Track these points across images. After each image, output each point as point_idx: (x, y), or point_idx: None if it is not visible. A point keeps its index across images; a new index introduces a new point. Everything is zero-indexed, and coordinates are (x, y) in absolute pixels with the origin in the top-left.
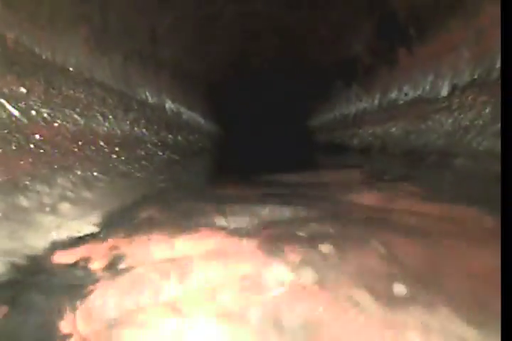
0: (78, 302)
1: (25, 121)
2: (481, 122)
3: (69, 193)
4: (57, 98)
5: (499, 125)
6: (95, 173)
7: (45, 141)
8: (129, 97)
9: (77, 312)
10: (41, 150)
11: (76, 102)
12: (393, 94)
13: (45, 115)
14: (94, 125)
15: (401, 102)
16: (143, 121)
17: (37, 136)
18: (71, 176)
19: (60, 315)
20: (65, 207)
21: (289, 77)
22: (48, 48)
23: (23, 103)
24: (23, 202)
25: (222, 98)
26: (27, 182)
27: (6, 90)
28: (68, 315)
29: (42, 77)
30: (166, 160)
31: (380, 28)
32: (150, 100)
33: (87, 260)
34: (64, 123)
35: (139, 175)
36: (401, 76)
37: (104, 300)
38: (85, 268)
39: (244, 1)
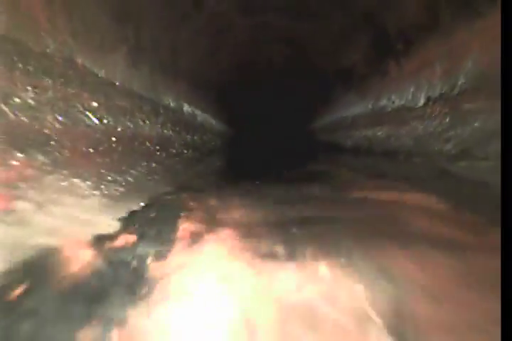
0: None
1: (103, 127)
2: (439, 129)
3: (137, 181)
4: (114, 108)
5: (452, 132)
6: (153, 165)
7: (118, 142)
8: (157, 104)
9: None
10: (119, 149)
11: (125, 111)
12: (383, 102)
13: (112, 123)
14: (139, 129)
15: (389, 109)
16: (169, 124)
17: (113, 138)
18: (137, 169)
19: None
20: (134, 190)
21: (294, 82)
22: (101, 67)
23: (98, 114)
24: (109, 188)
25: (231, 101)
26: (110, 173)
27: (85, 104)
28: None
29: (102, 92)
30: (190, 158)
31: (373, 41)
32: (172, 105)
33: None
34: (123, 128)
35: (174, 169)
36: (390, 86)
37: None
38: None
39: (252, 15)
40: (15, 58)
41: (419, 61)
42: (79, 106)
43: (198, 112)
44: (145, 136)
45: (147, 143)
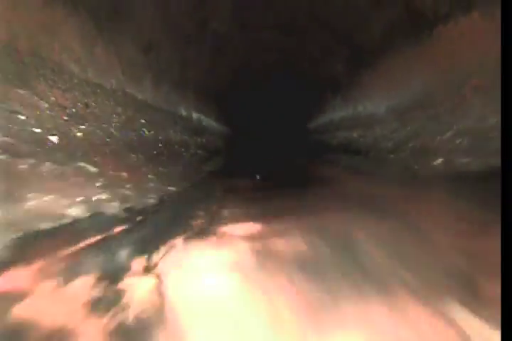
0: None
1: (134, 137)
2: (389, 131)
3: (171, 174)
4: (153, 122)
5: (396, 134)
6: (182, 163)
7: (164, 147)
8: (173, 114)
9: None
10: (153, 152)
11: (161, 122)
12: (360, 108)
13: (151, 132)
14: (170, 136)
15: (362, 115)
16: (184, 130)
17: (160, 145)
18: (163, 167)
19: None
20: (169, 184)
21: (290, 88)
22: (139, 92)
23: (143, 129)
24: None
25: (231, 106)
26: (143, 171)
27: (138, 121)
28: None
29: (144, 111)
30: (201, 156)
31: (350, 56)
32: (184, 114)
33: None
34: (161, 134)
35: (193, 166)
36: (365, 94)
37: None
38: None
39: (249, 32)
40: (92, 93)
41: (384, 77)
42: (135, 123)
43: (203, 118)
44: (174, 141)
45: (176, 146)
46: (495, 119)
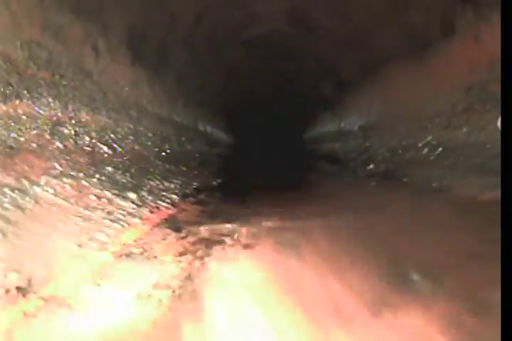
0: None
1: (179, 150)
2: (356, 145)
3: (191, 178)
4: (179, 136)
5: (358, 147)
6: (205, 169)
7: (190, 157)
8: (193, 129)
9: None
10: (196, 161)
11: (192, 137)
12: (342, 124)
13: (189, 147)
14: (189, 147)
15: (344, 130)
16: (200, 142)
17: (197, 155)
18: (185, 176)
19: None
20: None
21: (288, 104)
22: (174, 115)
23: (185, 144)
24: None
25: (238, 119)
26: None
27: (165, 135)
28: None
29: (180, 129)
30: (215, 163)
31: (334, 81)
32: (201, 129)
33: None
34: (188, 148)
35: (208, 172)
36: (346, 113)
37: None
38: None
39: (255, 59)
40: (136, 113)
41: (358, 99)
42: (179, 139)
43: (214, 131)
44: (201, 152)
45: (196, 155)
46: (430, 141)
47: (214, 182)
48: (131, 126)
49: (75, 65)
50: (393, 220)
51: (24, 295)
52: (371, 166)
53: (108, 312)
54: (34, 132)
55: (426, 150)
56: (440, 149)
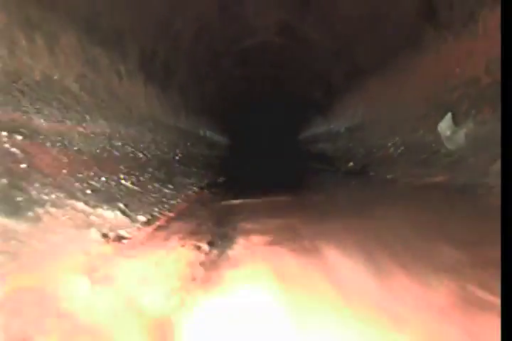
0: None
1: (188, 154)
2: (342, 144)
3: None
4: (187, 141)
5: (344, 147)
6: (202, 172)
7: (198, 160)
8: (195, 134)
9: None
10: (200, 163)
11: (185, 142)
12: (331, 126)
13: (196, 150)
14: (194, 151)
15: (332, 131)
16: (202, 145)
17: (201, 158)
18: (197, 175)
19: None
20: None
21: (281, 109)
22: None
23: (191, 148)
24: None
25: (234, 123)
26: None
27: (175, 142)
28: None
29: (184, 135)
30: (216, 164)
31: (324, 88)
32: (201, 134)
33: None
34: (196, 152)
35: (212, 172)
36: (334, 116)
37: None
38: None
39: (249, 67)
40: (153, 125)
41: (345, 105)
42: (186, 143)
43: (213, 135)
44: (204, 155)
45: (201, 158)
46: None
47: (219, 180)
48: (151, 136)
49: (107, 89)
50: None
51: None
52: (351, 164)
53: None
54: (100, 145)
55: (392, 149)
56: (402, 148)
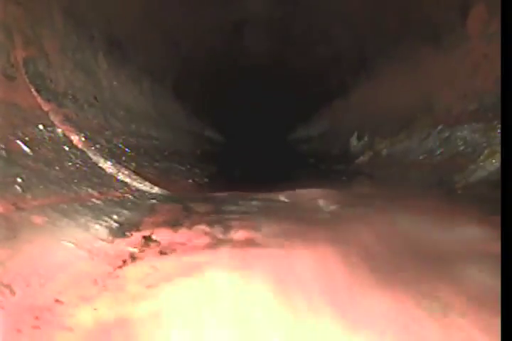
0: None
1: (189, 150)
2: (327, 145)
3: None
4: (188, 139)
5: (330, 148)
6: (207, 164)
7: (198, 153)
8: (196, 133)
9: None
10: (200, 157)
11: (190, 140)
12: (321, 128)
13: (191, 146)
14: (201, 148)
15: (321, 133)
16: (202, 142)
17: (195, 151)
18: (203, 167)
19: None
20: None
21: (276, 109)
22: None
23: (183, 145)
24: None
25: (230, 122)
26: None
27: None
28: None
29: (180, 134)
30: (215, 159)
31: (314, 95)
32: (205, 133)
33: None
34: (192, 148)
35: (212, 165)
36: (324, 118)
37: None
38: None
39: (244, 76)
40: (171, 128)
41: (333, 107)
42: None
43: (212, 133)
44: (201, 150)
45: (199, 152)
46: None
47: (219, 171)
48: (171, 136)
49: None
50: None
51: None
52: (327, 164)
53: None
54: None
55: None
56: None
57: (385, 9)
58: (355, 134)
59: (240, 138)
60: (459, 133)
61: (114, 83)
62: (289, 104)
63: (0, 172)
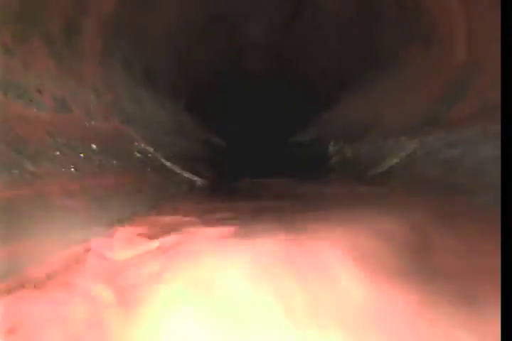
0: None
1: (192, 155)
2: (322, 148)
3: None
4: (195, 144)
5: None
6: (209, 167)
7: (200, 158)
8: (199, 139)
9: None
10: (207, 163)
11: (196, 145)
12: (319, 132)
13: (194, 151)
14: (201, 152)
15: (320, 136)
16: (205, 147)
17: (196, 158)
18: (207, 168)
19: None
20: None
21: (277, 114)
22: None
23: (204, 152)
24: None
25: (232, 126)
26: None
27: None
28: None
29: (187, 140)
30: (218, 163)
31: (310, 99)
32: (210, 140)
33: None
34: (199, 151)
35: (215, 167)
36: (322, 123)
37: None
38: None
39: (243, 83)
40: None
41: (336, 113)
42: (201, 147)
43: (215, 139)
44: (205, 154)
45: (203, 156)
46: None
47: (222, 172)
48: (187, 144)
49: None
50: None
51: None
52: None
53: None
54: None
55: (339, 155)
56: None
57: (356, 41)
58: (332, 141)
59: (240, 144)
60: (391, 141)
61: (150, 105)
62: (285, 114)
63: None
